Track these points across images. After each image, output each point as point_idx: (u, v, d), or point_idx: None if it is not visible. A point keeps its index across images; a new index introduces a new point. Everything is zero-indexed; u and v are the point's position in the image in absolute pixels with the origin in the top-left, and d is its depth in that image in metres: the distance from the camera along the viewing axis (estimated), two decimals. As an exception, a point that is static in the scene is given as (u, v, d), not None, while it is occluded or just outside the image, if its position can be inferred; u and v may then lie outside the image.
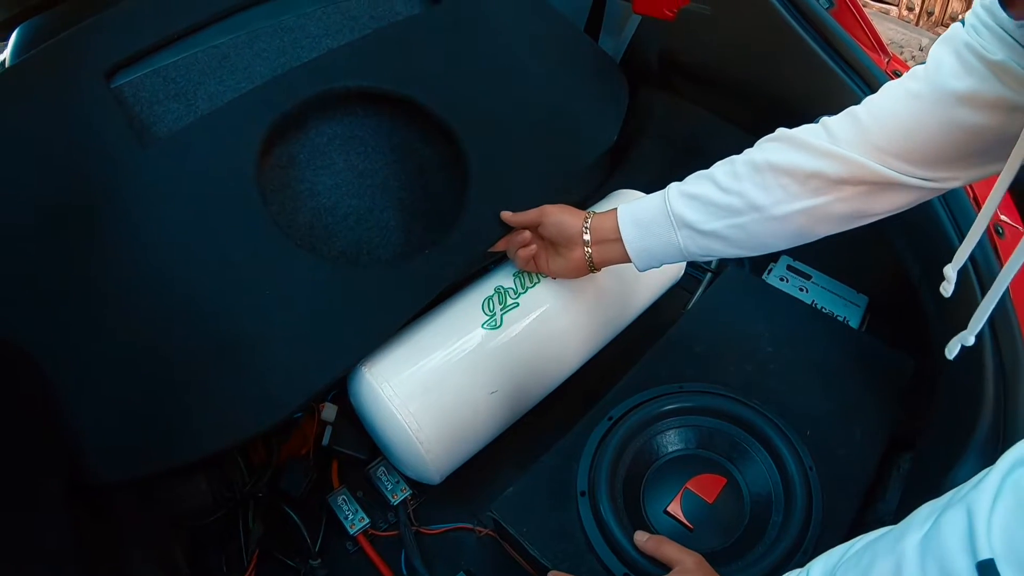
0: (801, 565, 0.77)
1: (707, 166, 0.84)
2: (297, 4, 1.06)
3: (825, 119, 0.78)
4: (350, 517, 0.93)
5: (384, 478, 0.96)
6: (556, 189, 1.05)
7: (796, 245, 0.82)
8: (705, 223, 0.81)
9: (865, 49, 1.12)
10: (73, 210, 0.82)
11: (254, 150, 0.90)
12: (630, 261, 0.88)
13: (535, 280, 0.98)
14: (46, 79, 0.89)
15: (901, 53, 3.75)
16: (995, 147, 0.69)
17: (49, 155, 0.85)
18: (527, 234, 0.96)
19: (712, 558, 0.76)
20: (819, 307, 1.14)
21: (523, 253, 0.96)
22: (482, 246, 0.98)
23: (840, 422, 0.92)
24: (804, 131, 0.78)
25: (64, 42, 0.93)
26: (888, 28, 3.89)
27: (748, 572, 0.77)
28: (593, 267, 0.92)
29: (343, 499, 0.94)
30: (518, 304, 0.95)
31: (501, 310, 0.94)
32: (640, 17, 1.32)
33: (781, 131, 0.80)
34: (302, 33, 1.03)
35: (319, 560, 0.90)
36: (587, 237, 0.90)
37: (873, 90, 1.03)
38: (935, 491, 0.74)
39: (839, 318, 1.13)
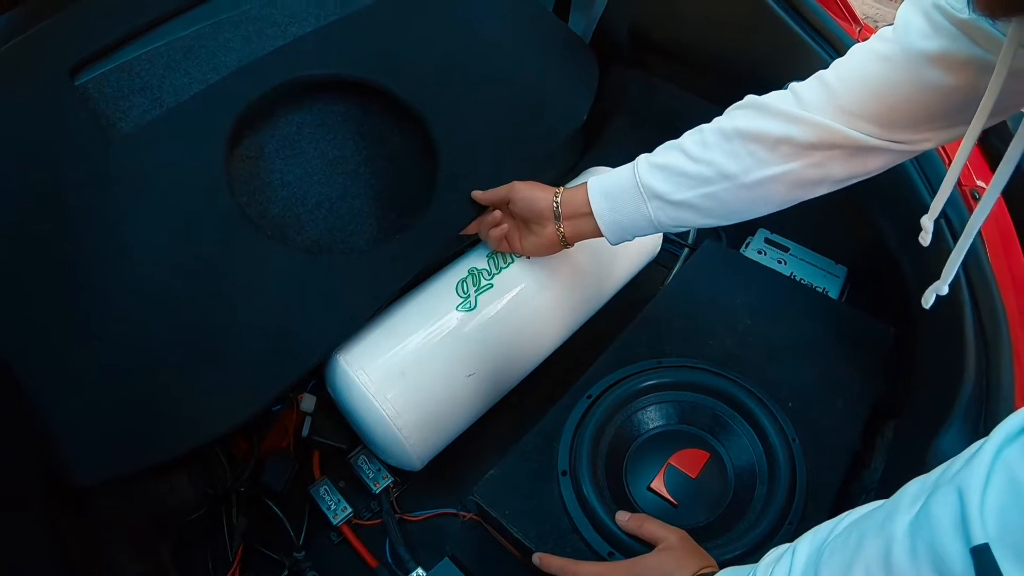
0: (787, 537, 0.78)
1: None
2: None
3: (794, 84, 0.77)
4: (333, 507, 0.93)
5: (365, 467, 0.95)
6: (527, 169, 1.03)
7: (769, 212, 0.81)
8: (675, 193, 0.80)
9: (836, 19, 1.11)
10: (40, 208, 0.81)
11: (222, 142, 0.89)
12: (602, 235, 0.87)
13: (509, 260, 0.98)
14: (9, 78, 0.88)
15: (876, 27, 3.75)
16: (966, 107, 0.68)
17: (15, 154, 0.83)
18: (498, 213, 0.96)
19: (698, 533, 0.76)
20: (798, 279, 1.14)
21: (495, 233, 0.95)
22: (454, 229, 0.98)
23: (822, 393, 0.92)
24: (773, 97, 0.77)
25: (26, 41, 0.91)
26: (862, 3, 3.89)
27: (734, 545, 0.77)
28: (566, 243, 0.91)
29: (325, 490, 0.94)
30: (492, 285, 0.95)
31: (475, 291, 0.93)
32: (610, -5, 1.31)
33: (750, 98, 0.79)
34: (267, 22, 1.01)
35: (303, 552, 0.89)
36: (558, 212, 0.89)
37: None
38: (920, 459, 0.74)
39: (818, 289, 1.13)
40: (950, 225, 0.90)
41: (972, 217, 0.67)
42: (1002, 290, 0.87)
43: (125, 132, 0.89)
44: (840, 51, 1.05)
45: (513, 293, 0.96)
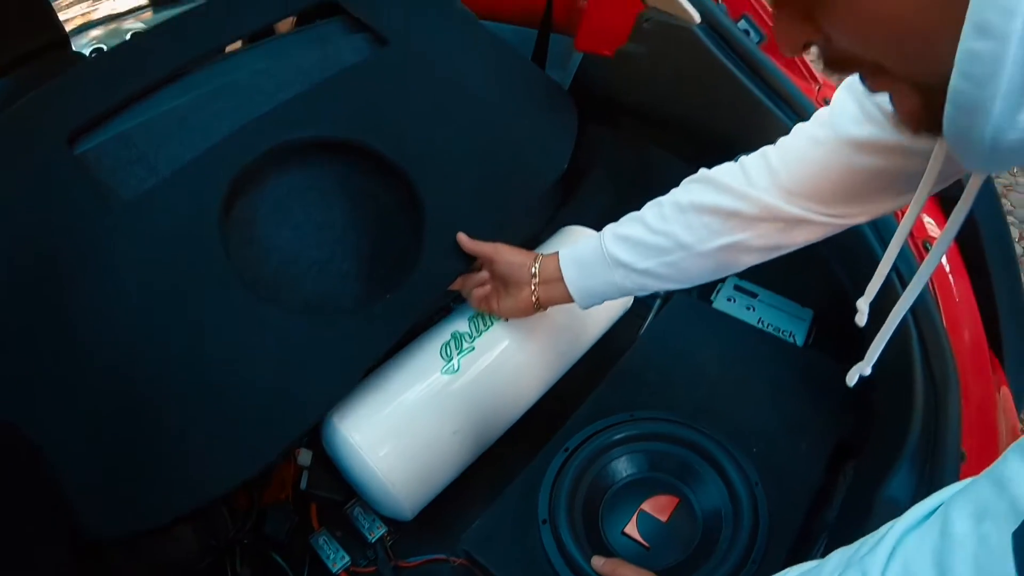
0: (750, 575, 0.84)
1: (653, 197, 0.89)
2: (250, 61, 1.10)
3: (743, 159, 0.84)
4: (332, 556, 0.98)
5: (361, 517, 1.01)
6: (510, 221, 1.10)
7: (723, 276, 0.89)
8: (638, 262, 0.87)
9: (795, 78, 1.18)
10: (41, 277, 0.85)
11: (216, 207, 0.94)
12: (572, 300, 0.95)
13: (489, 323, 1.04)
14: (8, 144, 0.92)
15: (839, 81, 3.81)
16: (896, 185, 0.74)
17: (14, 221, 0.87)
18: (484, 274, 1.02)
19: (669, 573, 0.83)
20: (766, 323, 1.21)
21: (478, 293, 1.02)
22: (440, 287, 1.03)
23: (786, 437, 0.98)
24: (723, 172, 0.84)
25: (25, 107, 0.96)
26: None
27: (702, 584, 0.83)
28: (539, 306, 0.98)
29: (324, 540, 0.99)
30: (474, 348, 1.01)
31: (458, 355, 1.00)
32: (582, 54, 1.38)
33: (703, 172, 0.87)
34: (256, 90, 1.06)
35: (304, 599, 0.95)
36: (535, 278, 0.96)
37: (802, 118, 1.09)
38: (869, 504, 0.80)
39: (785, 333, 1.19)
40: (901, 278, 0.96)
41: (899, 303, 0.72)
42: (952, 337, 0.93)
43: (123, 200, 0.92)
44: (798, 111, 1.11)
45: (493, 355, 1.02)
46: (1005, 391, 1.11)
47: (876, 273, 0.76)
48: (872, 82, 0.46)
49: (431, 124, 1.13)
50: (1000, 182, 3.16)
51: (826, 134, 0.77)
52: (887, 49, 0.41)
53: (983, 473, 0.42)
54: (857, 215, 0.79)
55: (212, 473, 0.84)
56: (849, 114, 0.74)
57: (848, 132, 0.74)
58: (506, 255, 0.99)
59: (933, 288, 0.99)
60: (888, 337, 0.75)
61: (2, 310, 0.84)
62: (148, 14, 2.80)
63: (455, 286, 1.06)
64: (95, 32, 2.63)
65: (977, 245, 1.14)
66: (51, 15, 1.45)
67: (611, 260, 0.89)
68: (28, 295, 0.84)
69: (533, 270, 0.96)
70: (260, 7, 1.15)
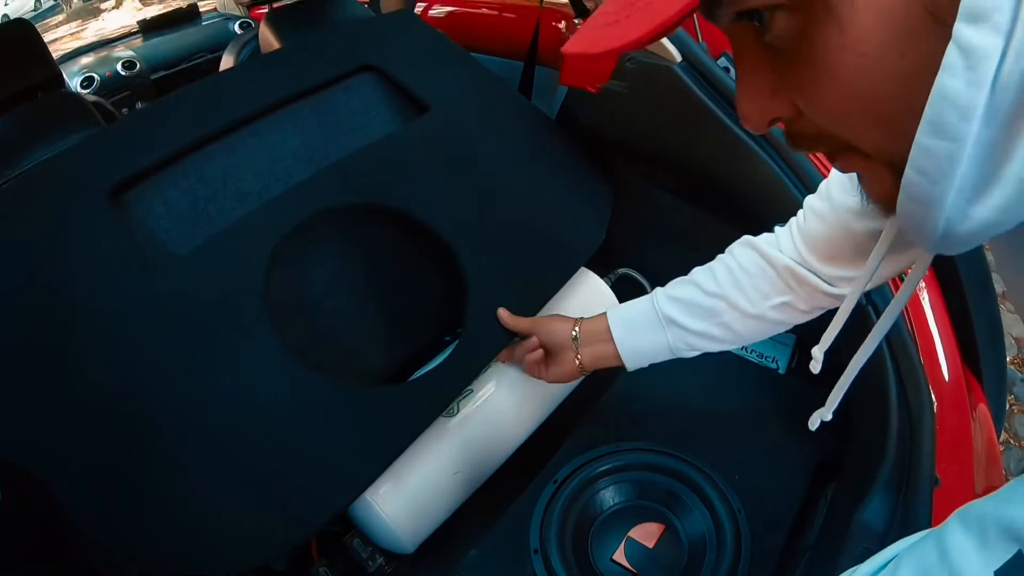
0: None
1: (644, 233, 0.91)
2: (292, 121, 1.12)
3: (778, 229, 0.88)
4: (332, 587, 1.02)
5: (360, 549, 1.04)
6: (549, 294, 1.12)
7: (774, 334, 0.92)
8: (693, 323, 0.90)
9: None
10: (80, 334, 0.85)
11: (260, 272, 0.94)
12: (619, 363, 0.96)
13: (486, 367, 1.07)
14: (50, 198, 0.93)
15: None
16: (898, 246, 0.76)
17: (56, 277, 0.87)
18: (535, 340, 1.02)
19: (657, 599, 0.86)
20: (749, 349, 1.24)
21: (531, 358, 1.02)
22: (482, 359, 1.04)
23: (767, 463, 1.02)
24: (762, 238, 0.88)
25: (66, 159, 0.97)
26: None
27: (688, 608, 0.87)
28: (584, 369, 0.99)
29: (324, 571, 1.03)
30: (472, 390, 1.05)
31: (457, 399, 1.03)
32: (567, 88, 1.41)
33: (746, 237, 0.90)
34: (299, 152, 1.09)
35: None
36: (576, 342, 0.98)
37: (780, 154, 1.13)
38: (847, 528, 0.83)
39: (768, 359, 1.23)
40: (875, 308, 1.00)
41: (859, 352, 0.73)
42: (926, 359, 0.97)
43: (165, 257, 0.93)
44: (776, 147, 1.14)
45: (488, 398, 1.05)
46: (982, 408, 1.15)
47: (832, 324, 0.78)
48: (843, 161, 0.42)
49: (473, 195, 1.14)
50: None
51: (823, 206, 0.80)
52: (863, 127, 0.38)
53: (930, 533, 0.44)
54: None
55: (240, 548, 0.82)
56: (837, 183, 0.77)
57: (841, 201, 0.77)
58: (546, 324, 1.01)
59: (908, 316, 1.02)
60: (847, 385, 0.77)
61: (44, 369, 0.83)
62: (138, 41, 2.83)
63: (501, 358, 1.08)
64: (85, 60, 2.67)
65: (951, 260, 1.18)
66: (45, 53, 1.49)
67: (665, 320, 0.92)
68: (65, 352, 0.84)
69: (574, 334, 0.98)
70: (301, 70, 1.17)
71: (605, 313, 0.97)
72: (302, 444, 0.87)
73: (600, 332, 0.97)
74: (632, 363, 0.96)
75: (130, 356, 0.85)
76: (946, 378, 1.01)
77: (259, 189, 1.03)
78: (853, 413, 1.03)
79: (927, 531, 0.46)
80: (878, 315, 0.97)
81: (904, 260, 0.73)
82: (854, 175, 0.65)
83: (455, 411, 1.03)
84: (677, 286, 0.93)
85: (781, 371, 1.21)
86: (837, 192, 0.77)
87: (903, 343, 0.96)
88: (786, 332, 1.27)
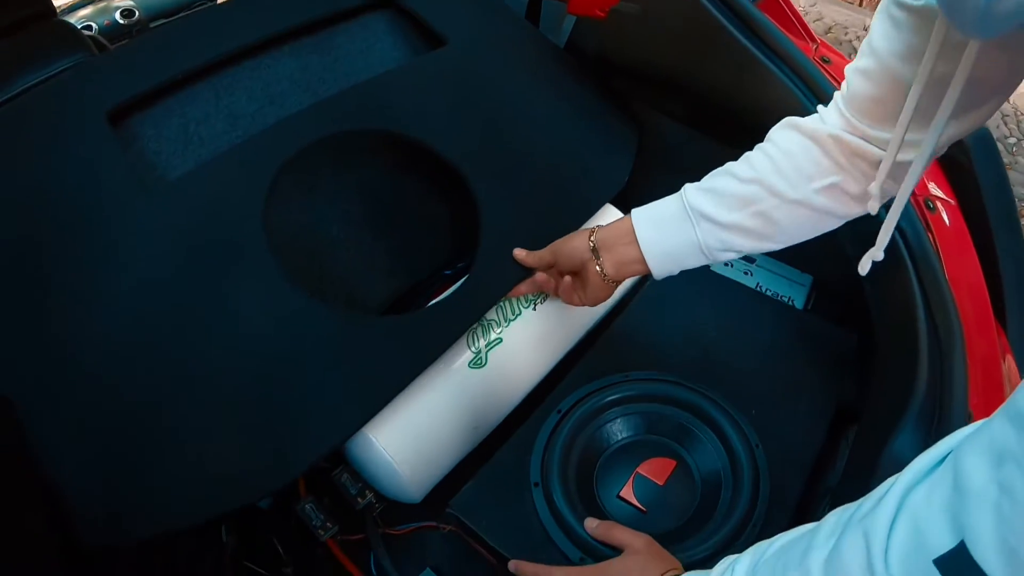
0: (751, 539, 0.81)
1: (645, 158, 0.84)
2: (296, 53, 1.06)
3: (820, 108, 0.81)
4: (319, 524, 0.95)
5: (349, 484, 0.98)
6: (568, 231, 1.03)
7: (815, 235, 0.85)
8: (725, 215, 0.82)
9: (792, 38, 1.15)
10: (73, 258, 0.81)
11: (260, 196, 0.88)
12: (645, 268, 0.89)
13: (517, 312, 1.00)
14: (46, 121, 0.89)
15: (846, 34, 3.81)
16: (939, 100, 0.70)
17: (51, 200, 0.84)
18: (543, 275, 0.97)
19: (666, 537, 0.79)
20: (764, 289, 1.18)
21: (564, 285, 0.95)
22: (495, 293, 0.97)
23: (785, 400, 0.96)
24: (806, 120, 0.81)
25: (64, 83, 0.93)
26: (833, 11, 3.95)
27: (700, 548, 0.80)
28: (612, 280, 0.91)
29: (311, 507, 0.96)
30: (501, 340, 0.97)
31: (486, 347, 0.95)
32: (575, 17, 1.35)
33: (788, 119, 0.83)
34: (308, 79, 1.03)
35: (291, 568, 0.92)
36: (595, 252, 0.90)
37: (800, 76, 1.07)
38: (874, 463, 0.77)
39: (784, 298, 1.17)
40: (904, 237, 0.93)
41: (905, 182, 0.69)
42: (956, 296, 0.91)
43: (163, 182, 0.89)
44: (796, 71, 1.08)
45: (519, 348, 0.98)
46: (1010, 359, 1.09)
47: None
48: None
49: (489, 128, 1.08)
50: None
51: (868, 62, 0.73)
52: None
53: (996, 413, 0.38)
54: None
55: (236, 482, 0.78)
56: (880, 32, 0.71)
57: (885, 48, 0.70)
58: (565, 245, 0.93)
59: (936, 245, 0.96)
60: (896, 219, 0.73)
61: (31, 293, 0.80)
62: (137, -10, 2.76)
63: (522, 290, 0.99)
64: (83, 12, 2.60)
65: (981, 211, 1.12)
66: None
67: (694, 213, 0.84)
68: (57, 279, 0.80)
69: (592, 241, 0.90)
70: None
71: (629, 215, 0.89)
72: (300, 375, 0.82)
73: (623, 234, 0.88)
74: (658, 267, 0.88)
75: (126, 281, 0.81)
76: (973, 310, 0.95)
77: (264, 114, 0.98)
78: (878, 346, 0.97)
79: (981, 421, 0.40)
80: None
81: (966, 123, 0.68)
82: (894, 14, 0.62)
83: (484, 361, 0.95)
84: (709, 178, 0.85)
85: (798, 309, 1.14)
86: (880, 41, 0.70)
87: (930, 266, 0.91)
88: (803, 272, 1.23)
